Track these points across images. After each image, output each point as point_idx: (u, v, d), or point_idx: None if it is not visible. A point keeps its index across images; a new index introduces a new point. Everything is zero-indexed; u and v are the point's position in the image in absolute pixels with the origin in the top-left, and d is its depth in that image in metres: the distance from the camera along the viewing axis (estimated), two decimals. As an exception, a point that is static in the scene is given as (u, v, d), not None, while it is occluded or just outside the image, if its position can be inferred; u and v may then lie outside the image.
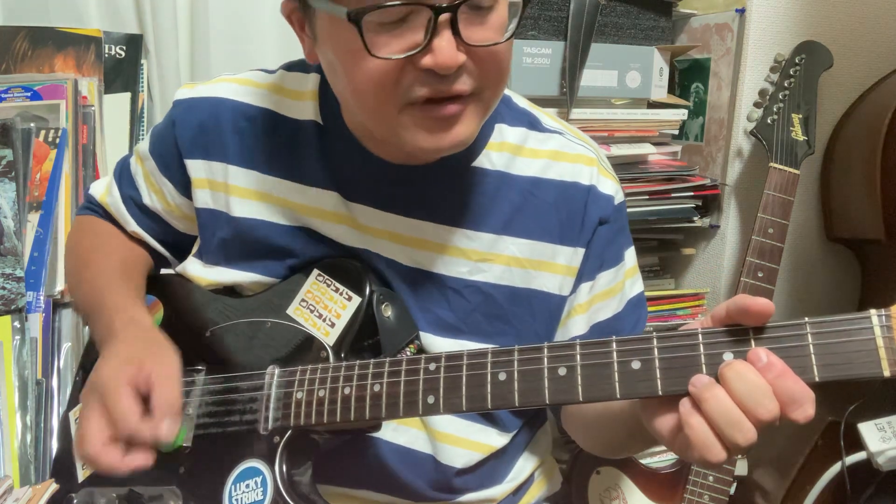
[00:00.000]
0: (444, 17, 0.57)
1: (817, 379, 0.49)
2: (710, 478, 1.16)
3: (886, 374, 0.47)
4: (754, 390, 0.49)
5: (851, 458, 1.14)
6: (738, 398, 0.49)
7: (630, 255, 0.84)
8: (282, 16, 0.69)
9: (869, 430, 1.12)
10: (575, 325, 0.80)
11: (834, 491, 1.16)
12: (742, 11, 1.23)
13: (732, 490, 1.18)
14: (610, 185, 0.80)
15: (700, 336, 0.52)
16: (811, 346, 0.50)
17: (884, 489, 1.15)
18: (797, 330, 0.50)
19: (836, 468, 1.15)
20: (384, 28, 0.58)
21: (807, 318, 0.50)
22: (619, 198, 0.81)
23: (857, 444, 1.13)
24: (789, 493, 1.19)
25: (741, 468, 1.25)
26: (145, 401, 0.67)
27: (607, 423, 0.72)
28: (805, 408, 0.49)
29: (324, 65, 0.68)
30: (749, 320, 0.51)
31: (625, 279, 0.82)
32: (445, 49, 0.58)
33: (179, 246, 0.90)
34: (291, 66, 0.81)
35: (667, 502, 1.20)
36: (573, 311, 0.80)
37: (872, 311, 0.48)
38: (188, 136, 0.80)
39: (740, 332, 0.52)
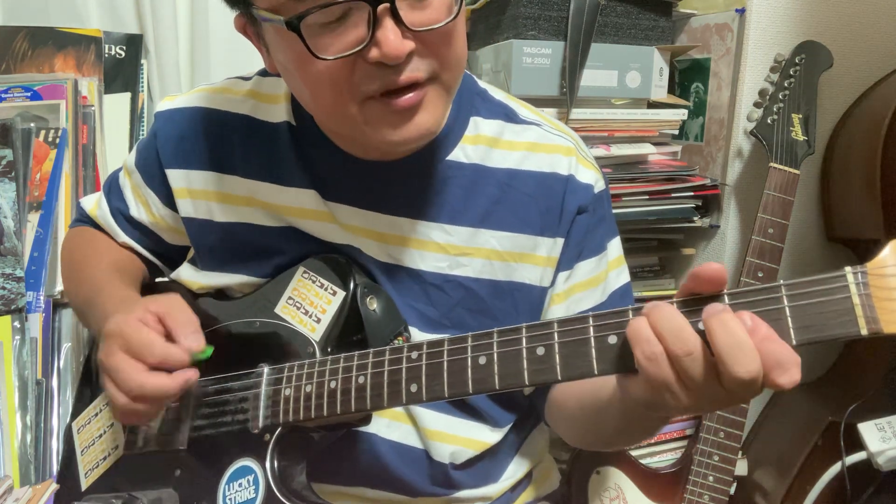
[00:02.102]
0: (383, 7, 0.57)
1: (794, 342, 0.48)
2: (711, 478, 1.16)
3: (864, 332, 0.46)
4: (735, 345, 0.47)
5: (851, 458, 1.14)
6: (718, 350, 0.47)
7: (614, 245, 0.83)
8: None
9: (869, 430, 1.11)
10: (552, 316, 0.78)
11: (834, 491, 1.16)
12: (742, 11, 1.22)
13: (732, 490, 1.18)
14: (589, 175, 0.79)
15: (675, 305, 0.51)
16: (787, 308, 0.49)
17: (884, 489, 1.14)
18: (772, 293, 0.49)
19: (836, 468, 1.15)
20: (327, 28, 0.58)
21: (782, 281, 0.49)
22: (598, 186, 0.80)
23: (857, 444, 1.13)
24: (789, 493, 1.19)
25: (741, 468, 1.24)
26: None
27: (596, 411, 0.71)
28: (791, 372, 0.47)
29: (281, 72, 0.68)
30: (704, 286, 0.50)
31: (608, 269, 0.82)
32: (390, 40, 0.57)
33: (170, 256, 0.90)
34: (267, 72, 0.81)
35: (667, 502, 1.20)
36: (551, 301, 0.80)
37: (848, 269, 0.48)
38: (168, 147, 0.81)
39: (714, 298, 0.51)
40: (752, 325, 0.47)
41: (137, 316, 0.68)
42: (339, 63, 0.59)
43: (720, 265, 0.49)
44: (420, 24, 0.59)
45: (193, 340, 0.68)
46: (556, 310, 0.80)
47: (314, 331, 0.73)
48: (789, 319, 0.48)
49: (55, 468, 1.06)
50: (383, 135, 0.64)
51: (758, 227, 1.14)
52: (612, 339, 0.53)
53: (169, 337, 0.69)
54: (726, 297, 0.50)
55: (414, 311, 0.77)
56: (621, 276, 0.84)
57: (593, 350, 0.54)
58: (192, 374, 0.68)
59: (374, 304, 0.74)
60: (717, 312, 0.48)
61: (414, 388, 0.61)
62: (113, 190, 0.90)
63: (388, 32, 0.57)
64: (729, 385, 0.48)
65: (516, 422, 0.85)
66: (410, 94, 0.62)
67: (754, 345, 0.47)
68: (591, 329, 0.54)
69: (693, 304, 0.51)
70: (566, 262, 0.79)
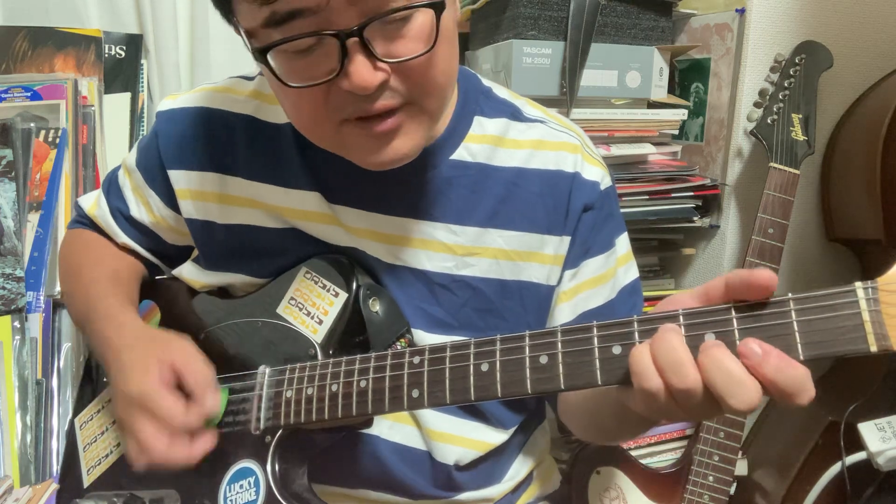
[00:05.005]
0: (353, 40, 0.55)
1: (802, 357, 0.47)
2: (710, 478, 1.16)
3: (873, 349, 0.45)
4: (728, 380, 0.47)
5: (851, 458, 1.14)
6: (716, 388, 0.47)
7: (622, 241, 0.82)
8: None
9: (869, 430, 1.12)
10: (560, 314, 0.79)
11: (834, 491, 1.16)
12: (742, 11, 1.22)
13: (732, 490, 1.18)
14: (595, 172, 0.79)
15: (681, 318, 0.51)
16: (795, 323, 0.47)
17: (884, 489, 1.15)
18: (780, 307, 0.48)
19: (836, 468, 1.15)
20: (300, 55, 0.57)
21: (790, 295, 0.48)
22: (605, 183, 0.80)
23: (857, 444, 1.13)
24: (789, 493, 1.19)
25: (741, 468, 1.24)
26: (178, 388, 0.69)
27: (596, 407, 0.72)
28: (808, 391, 0.46)
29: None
30: (752, 294, 0.49)
31: (616, 266, 0.81)
32: (360, 72, 0.56)
33: (170, 256, 0.90)
34: None
35: (667, 502, 1.20)
36: (558, 299, 0.79)
37: (858, 284, 0.46)
38: (170, 147, 0.81)
39: (722, 311, 0.50)
40: (763, 354, 0.47)
41: (156, 376, 0.68)
42: (313, 89, 0.58)
43: (772, 275, 0.48)
44: (394, 55, 0.57)
45: (211, 401, 0.69)
46: (563, 308, 0.79)
47: (316, 332, 0.73)
48: (797, 335, 0.47)
49: (55, 468, 1.06)
50: (361, 157, 0.64)
51: (758, 227, 1.14)
52: (617, 350, 0.53)
53: (182, 388, 0.69)
54: (734, 310, 0.49)
55: (421, 312, 0.77)
56: (630, 273, 0.83)
57: (597, 360, 0.53)
58: (211, 444, 0.69)
59: (376, 306, 0.74)
60: (708, 349, 0.48)
61: (416, 393, 0.61)
62: (112, 189, 0.89)
63: (358, 66, 0.56)
64: (729, 410, 0.48)
65: (522, 422, 0.85)
66: (387, 121, 0.61)
67: (769, 372, 0.46)
68: (595, 339, 0.54)
69: (701, 316, 0.50)
70: (572, 260, 0.78)
